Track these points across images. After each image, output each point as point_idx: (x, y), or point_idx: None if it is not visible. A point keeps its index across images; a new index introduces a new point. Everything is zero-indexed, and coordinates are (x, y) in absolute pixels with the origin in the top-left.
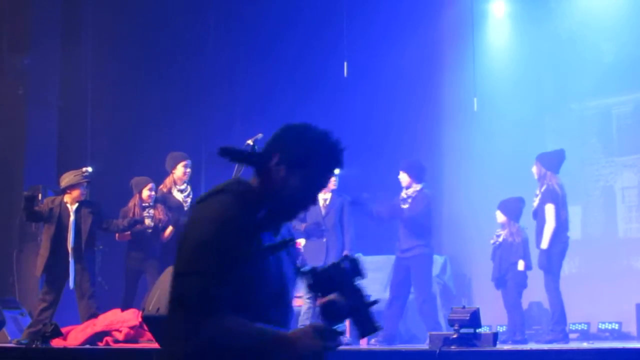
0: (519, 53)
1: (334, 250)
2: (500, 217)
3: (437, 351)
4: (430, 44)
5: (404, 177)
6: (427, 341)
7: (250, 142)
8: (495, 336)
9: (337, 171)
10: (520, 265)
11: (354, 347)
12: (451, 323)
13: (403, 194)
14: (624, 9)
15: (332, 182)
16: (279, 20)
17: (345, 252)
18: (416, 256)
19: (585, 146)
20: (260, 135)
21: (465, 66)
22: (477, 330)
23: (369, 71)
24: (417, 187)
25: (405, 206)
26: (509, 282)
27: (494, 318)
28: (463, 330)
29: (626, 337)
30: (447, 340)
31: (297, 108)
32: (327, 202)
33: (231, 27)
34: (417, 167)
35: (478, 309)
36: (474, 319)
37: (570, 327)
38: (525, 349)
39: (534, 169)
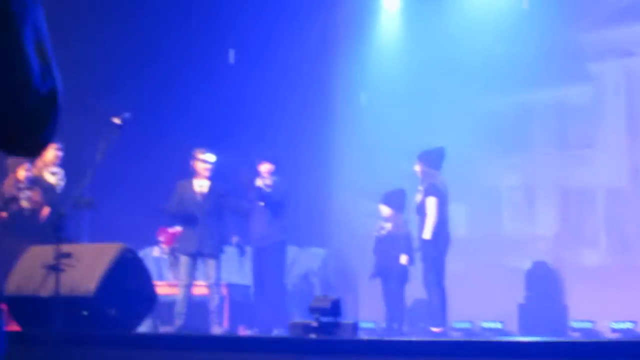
0: (409, 49)
1: (209, 239)
2: (385, 210)
3: (297, 339)
4: (321, 36)
5: (268, 167)
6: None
7: (117, 120)
8: (355, 326)
9: (212, 158)
10: (403, 259)
11: (217, 333)
12: (312, 311)
13: (259, 183)
14: (514, 10)
15: (207, 169)
16: (168, 5)
17: (235, 239)
18: (273, 243)
19: (471, 145)
20: (128, 114)
21: (355, 60)
22: (338, 320)
23: (257, 60)
24: (274, 177)
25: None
26: (391, 275)
27: (378, 313)
28: (324, 319)
29: (509, 336)
30: (307, 329)
31: (184, 93)
32: (204, 190)
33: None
34: (278, 158)
35: (339, 298)
36: (335, 308)
37: (454, 326)
38: (384, 339)
39: (417, 168)
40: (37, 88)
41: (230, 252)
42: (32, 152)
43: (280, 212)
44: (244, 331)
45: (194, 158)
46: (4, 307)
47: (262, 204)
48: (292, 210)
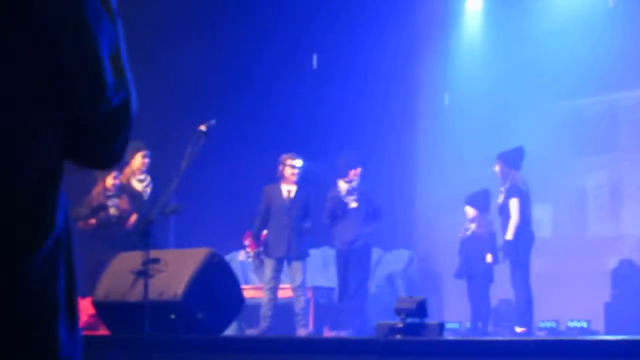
0: (493, 49)
1: (296, 243)
2: (471, 211)
3: (382, 340)
4: (403, 38)
5: (357, 172)
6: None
7: (203, 127)
8: (441, 326)
9: (299, 163)
10: (489, 258)
11: (303, 335)
12: (397, 312)
13: (346, 187)
14: (599, 8)
15: (294, 174)
16: (251, 11)
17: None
18: (361, 246)
19: (557, 145)
20: (213, 122)
21: (438, 61)
22: (424, 320)
23: (339, 64)
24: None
25: (353, 197)
26: (476, 275)
27: (463, 314)
28: (409, 320)
29: (595, 335)
30: (392, 329)
31: (267, 99)
32: (292, 195)
33: (197, 20)
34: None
35: (425, 299)
36: (421, 309)
37: (539, 325)
38: (470, 339)
39: (496, 168)
40: (110, 99)
41: (314, 255)
42: (104, 163)
43: (373, 217)
44: (328, 333)
45: (282, 163)
46: (94, 311)
47: (354, 204)
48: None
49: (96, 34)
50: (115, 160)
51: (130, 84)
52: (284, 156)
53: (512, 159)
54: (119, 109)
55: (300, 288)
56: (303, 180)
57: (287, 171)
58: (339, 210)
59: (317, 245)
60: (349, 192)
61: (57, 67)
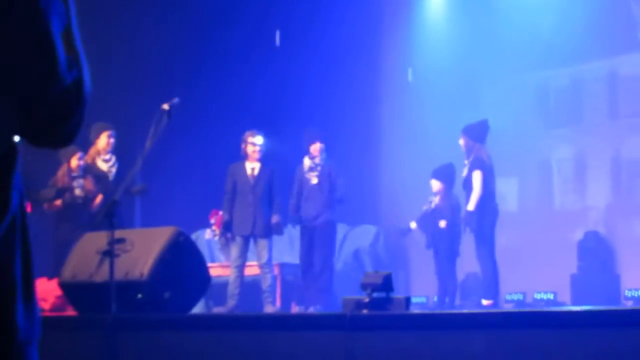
0: (457, 24)
1: (262, 220)
2: (436, 184)
3: (349, 315)
4: (367, 13)
5: (319, 146)
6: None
7: (166, 106)
8: (407, 300)
9: (260, 140)
10: (442, 224)
11: (271, 312)
12: (364, 287)
13: (309, 163)
14: None
15: (257, 152)
16: None
17: (275, 219)
18: (322, 223)
19: (522, 119)
20: (176, 100)
21: (402, 36)
22: (390, 295)
23: (303, 41)
24: (323, 155)
25: (314, 173)
26: (440, 248)
27: (430, 289)
28: (375, 295)
29: (561, 306)
30: (359, 305)
31: (233, 77)
32: (256, 172)
33: None
34: (326, 137)
35: (391, 274)
36: (386, 283)
37: (506, 298)
38: (436, 312)
39: (461, 142)
40: (63, 77)
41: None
42: (59, 142)
43: (328, 192)
44: (295, 310)
45: (244, 141)
46: (60, 292)
47: (315, 181)
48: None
49: (46, 12)
50: (70, 139)
51: (83, 62)
52: (245, 134)
53: (477, 132)
54: (72, 87)
55: (266, 265)
56: (267, 158)
57: (249, 149)
58: (303, 187)
59: (283, 222)
60: (310, 169)
61: (7, 45)
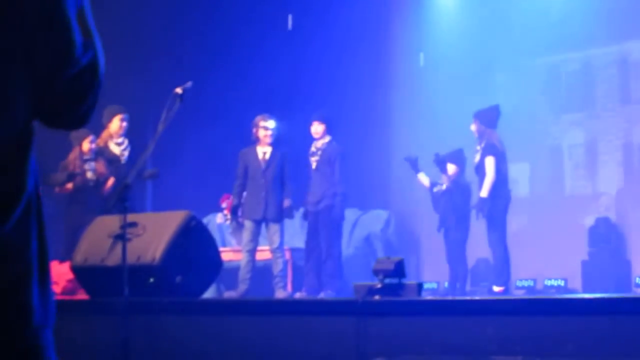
0: (468, 10)
1: (274, 204)
2: (452, 168)
3: (360, 300)
4: None
5: (318, 127)
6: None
7: (179, 90)
8: (419, 286)
9: (272, 124)
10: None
11: (282, 297)
12: (375, 273)
13: (312, 147)
14: None
15: (268, 136)
16: None
17: (287, 202)
18: (325, 207)
19: (533, 103)
20: (189, 84)
21: (414, 21)
22: (402, 281)
23: (315, 25)
24: (326, 139)
25: (315, 158)
26: (451, 232)
27: (441, 274)
28: (387, 281)
29: (572, 293)
30: (371, 290)
31: (244, 62)
32: (267, 156)
33: None
34: (331, 118)
35: (403, 260)
36: (398, 269)
37: (517, 284)
38: (448, 299)
39: (473, 127)
40: (78, 58)
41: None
42: (74, 124)
43: (330, 176)
44: (304, 295)
45: (255, 125)
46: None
47: (314, 166)
48: (354, 172)
49: None
50: (84, 120)
51: (98, 44)
52: (257, 118)
53: (489, 117)
54: (87, 68)
55: (278, 250)
56: (278, 142)
57: (261, 133)
58: (309, 171)
59: (295, 207)
60: (312, 153)
61: (24, 27)
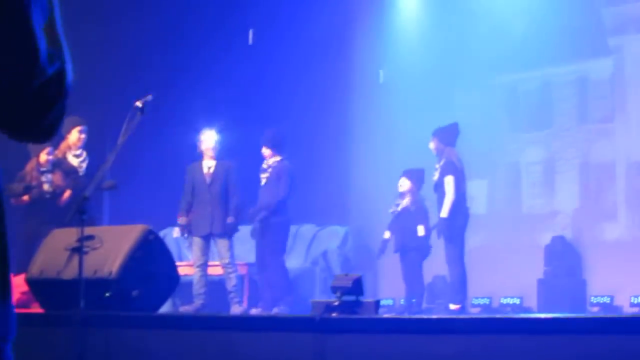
0: (429, 26)
1: (220, 219)
2: (405, 183)
3: (317, 317)
4: (339, 13)
5: (265, 151)
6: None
7: (139, 103)
8: (377, 304)
9: (211, 137)
10: (421, 231)
11: (234, 313)
12: (333, 290)
13: (264, 165)
14: None
15: (209, 149)
16: None
17: (230, 219)
18: (272, 224)
19: (492, 121)
20: (149, 97)
21: (373, 38)
22: (360, 298)
23: (275, 40)
24: (277, 158)
25: (265, 175)
26: (410, 251)
27: (397, 291)
28: (345, 298)
29: (527, 311)
30: (328, 307)
31: (205, 76)
32: (212, 170)
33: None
34: (277, 139)
35: (361, 277)
36: (356, 287)
37: (473, 302)
38: (405, 317)
39: (432, 145)
40: (44, 68)
41: (247, 231)
42: (39, 136)
43: (278, 193)
44: (256, 311)
45: (199, 139)
46: (27, 289)
47: (263, 182)
48: (312, 189)
49: (27, 3)
50: (51, 133)
51: (67, 54)
52: (201, 132)
53: (448, 135)
54: (53, 79)
55: (229, 265)
56: (224, 155)
57: (202, 146)
58: (258, 187)
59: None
60: (262, 170)
61: None
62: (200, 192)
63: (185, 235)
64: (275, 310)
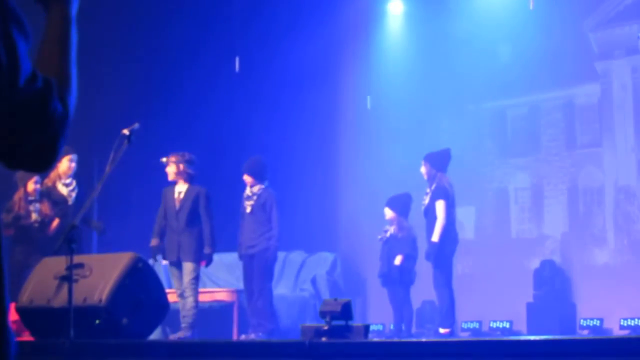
0: (416, 52)
1: (188, 246)
2: (389, 213)
3: (307, 342)
4: (326, 40)
5: (247, 178)
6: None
7: (126, 131)
8: (366, 328)
9: (170, 161)
10: (397, 260)
11: (224, 339)
12: (322, 315)
13: (248, 192)
14: (520, 11)
15: (171, 173)
16: (171, 12)
17: (207, 250)
18: (259, 251)
19: (479, 147)
20: (137, 125)
21: (360, 64)
22: (349, 323)
23: (261, 67)
24: (260, 186)
25: (250, 202)
26: (395, 278)
27: (386, 316)
28: (334, 323)
29: (517, 335)
30: (318, 332)
31: (191, 104)
32: (182, 196)
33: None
34: (258, 168)
35: (350, 302)
36: (346, 311)
37: (462, 326)
38: (394, 341)
39: (423, 169)
40: (15, 88)
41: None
42: (28, 163)
43: (265, 221)
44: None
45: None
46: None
47: (248, 210)
48: (301, 215)
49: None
50: (45, 159)
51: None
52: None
53: (439, 161)
54: (32, 101)
55: (189, 288)
56: (197, 180)
57: (168, 170)
58: (242, 215)
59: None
60: (247, 198)
61: None
62: (169, 217)
63: (153, 260)
64: (252, 336)
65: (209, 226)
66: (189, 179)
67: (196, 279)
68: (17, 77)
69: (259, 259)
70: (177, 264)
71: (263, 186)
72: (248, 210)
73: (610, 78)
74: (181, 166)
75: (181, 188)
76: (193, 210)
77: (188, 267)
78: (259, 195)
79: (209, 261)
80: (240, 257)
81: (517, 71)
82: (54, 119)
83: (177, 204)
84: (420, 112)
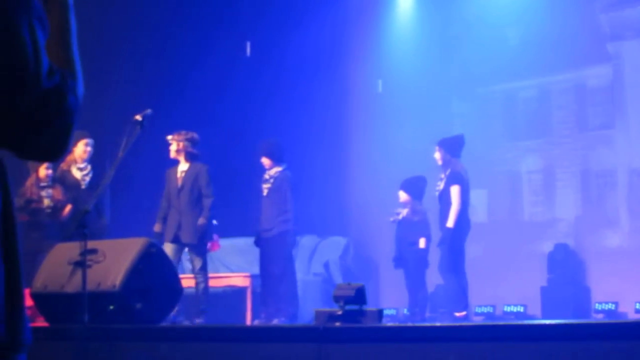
0: (426, 36)
1: (188, 226)
2: (403, 196)
3: (321, 327)
4: (336, 24)
5: (265, 161)
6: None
7: (138, 117)
8: (380, 313)
9: (173, 140)
10: (422, 243)
11: (237, 324)
12: (336, 300)
13: (266, 175)
14: None
15: (173, 151)
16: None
17: (200, 220)
18: (276, 234)
19: (490, 130)
20: (149, 111)
21: (371, 48)
22: (363, 307)
23: (272, 51)
24: (278, 168)
25: (267, 185)
26: (409, 261)
27: (400, 301)
28: (348, 307)
29: (531, 319)
30: (331, 317)
31: (202, 88)
32: (183, 174)
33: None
34: (275, 149)
35: (363, 286)
36: (359, 296)
37: (476, 310)
38: (408, 325)
39: (437, 155)
40: (37, 81)
41: (251, 242)
42: (43, 154)
43: (280, 204)
44: (259, 322)
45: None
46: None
47: (265, 193)
48: (313, 200)
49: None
50: (56, 149)
51: (76, 73)
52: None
53: (453, 146)
54: (51, 94)
55: (199, 274)
56: (199, 159)
57: (170, 148)
58: (260, 198)
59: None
60: (264, 181)
61: None
62: (172, 197)
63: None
64: (275, 322)
65: (209, 201)
66: (191, 158)
67: (204, 264)
68: (40, 72)
69: (276, 243)
70: (177, 243)
71: (281, 168)
72: (265, 193)
73: (622, 59)
74: (181, 144)
75: (183, 167)
76: (195, 188)
77: (195, 250)
78: (275, 178)
79: (203, 234)
80: (257, 241)
81: (527, 53)
82: (70, 111)
83: (179, 183)
84: (431, 96)
